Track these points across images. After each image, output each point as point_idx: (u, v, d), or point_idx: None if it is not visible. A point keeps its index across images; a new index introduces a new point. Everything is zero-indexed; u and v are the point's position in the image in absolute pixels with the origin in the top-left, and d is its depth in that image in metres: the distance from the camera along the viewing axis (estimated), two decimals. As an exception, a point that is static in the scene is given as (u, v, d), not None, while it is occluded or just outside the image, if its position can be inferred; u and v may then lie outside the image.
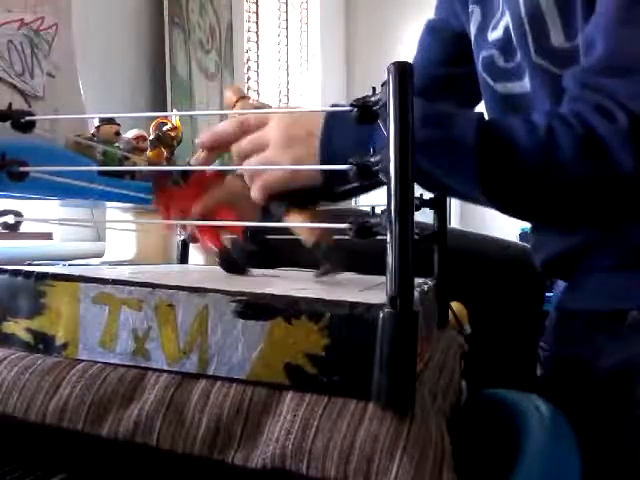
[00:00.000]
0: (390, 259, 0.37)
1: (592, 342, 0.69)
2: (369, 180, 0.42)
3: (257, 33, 2.75)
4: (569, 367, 0.72)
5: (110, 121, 1.17)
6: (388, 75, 0.38)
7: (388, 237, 0.37)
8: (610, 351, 0.66)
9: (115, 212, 1.38)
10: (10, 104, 0.52)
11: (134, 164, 1.16)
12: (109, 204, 1.31)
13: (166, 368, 0.44)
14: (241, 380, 0.42)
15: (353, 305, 0.40)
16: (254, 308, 0.42)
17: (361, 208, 0.99)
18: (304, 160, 0.58)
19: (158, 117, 1.33)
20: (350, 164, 0.42)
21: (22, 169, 0.49)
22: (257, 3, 2.74)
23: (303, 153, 0.59)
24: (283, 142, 0.59)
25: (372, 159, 0.41)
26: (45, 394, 0.44)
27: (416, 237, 0.63)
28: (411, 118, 0.38)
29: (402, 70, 0.38)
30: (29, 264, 0.59)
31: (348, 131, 0.56)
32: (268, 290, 0.45)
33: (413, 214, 0.37)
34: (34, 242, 1.45)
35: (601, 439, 0.60)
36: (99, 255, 1.48)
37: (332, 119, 0.59)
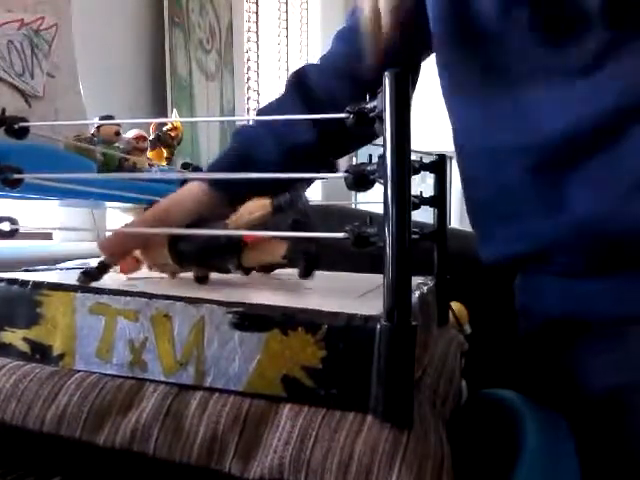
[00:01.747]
0: (387, 270, 0.37)
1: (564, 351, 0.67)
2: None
3: (257, 33, 2.75)
4: (545, 374, 0.71)
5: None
6: (384, 81, 0.38)
7: (385, 249, 0.37)
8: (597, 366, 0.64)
9: (115, 212, 1.38)
10: (4, 110, 0.51)
11: (134, 164, 1.16)
12: (109, 204, 1.31)
13: (163, 379, 0.43)
14: (238, 392, 0.42)
15: (350, 317, 0.39)
16: (250, 319, 0.41)
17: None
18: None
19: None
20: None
21: (16, 176, 0.49)
22: (257, 3, 2.73)
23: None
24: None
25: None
26: (43, 402, 0.44)
27: (415, 236, 0.63)
28: (408, 125, 0.38)
29: (398, 76, 0.38)
30: (26, 270, 0.58)
31: None
32: (267, 297, 0.45)
33: (410, 225, 0.37)
34: (34, 242, 1.45)
35: (594, 439, 0.59)
36: (99, 255, 1.47)
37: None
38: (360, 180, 0.41)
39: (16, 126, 0.51)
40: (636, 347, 0.57)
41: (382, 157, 0.37)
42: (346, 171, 0.41)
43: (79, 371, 0.46)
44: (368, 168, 0.41)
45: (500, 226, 0.70)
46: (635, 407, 0.55)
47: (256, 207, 0.56)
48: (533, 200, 0.63)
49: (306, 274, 0.54)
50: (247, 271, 0.57)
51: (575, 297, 0.64)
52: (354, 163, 0.42)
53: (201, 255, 0.55)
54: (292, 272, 0.60)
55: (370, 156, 0.42)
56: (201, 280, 0.56)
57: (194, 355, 0.43)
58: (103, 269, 0.54)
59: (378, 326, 0.38)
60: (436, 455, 0.38)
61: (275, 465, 0.38)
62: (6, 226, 0.49)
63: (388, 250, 0.37)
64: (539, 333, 0.71)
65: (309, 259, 0.54)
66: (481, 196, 0.74)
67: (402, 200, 0.36)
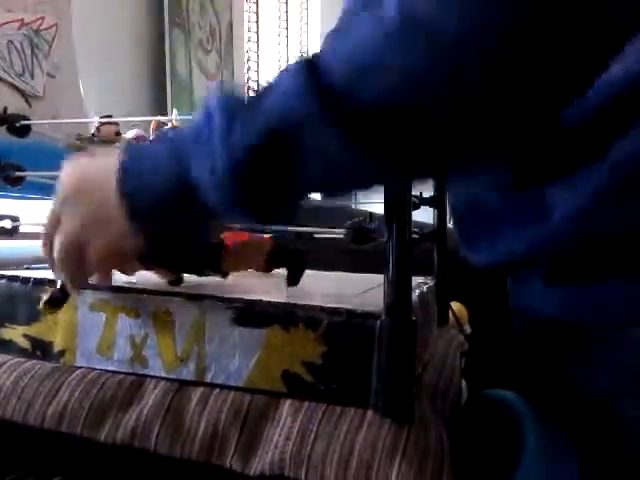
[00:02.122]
0: (388, 266, 0.37)
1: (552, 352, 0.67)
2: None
3: (257, 33, 2.75)
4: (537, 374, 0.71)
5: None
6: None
7: (386, 244, 0.37)
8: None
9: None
10: (5, 108, 0.52)
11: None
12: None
13: (164, 375, 0.43)
14: (239, 387, 0.42)
15: (350, 313, 0.40)
16: (251, 315, 0.41)
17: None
18: (103, 206, 0.42)
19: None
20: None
21: (18, 174, 0.49)
22: (257, 3, 2.73)
23: (98, 198, 0.43)
24: (73, 197, 0.44)
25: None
26: (44, 399, 0.44)
27: (415, 236, 0.63)
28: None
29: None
30: (27, 268, 0.58)
31: (156, 158, 0.42)
32: (267, 293, 0.45)
33: (411, 221, 0.37)
34: (34, 242, 1.45)
35: (589, 441, 0.59)
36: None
37: (131, 148, 0.44)
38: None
39: (18, 124, 0.51)
40: (624, 353, 0.57)
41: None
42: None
43: (80, 367, 0.46)
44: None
45: (482, 235, 0.70)
46: (620, 412, 0.56)
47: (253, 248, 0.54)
48: (512, 211, 0.63)
49: (293, 281, 0.52)
50: (225, 275, 0.54)
51: (560, 301, 0.64)
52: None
53: (176, 260, 0.50)
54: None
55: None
56: (175, 283, 0.51)
57: (195, 351, 0.43)
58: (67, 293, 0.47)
59: (378, 322, 0.38)
60: (436, 452, 0.38)
61: (276, 461, 0.38)
62: (7, 224, 0.50)
63: (389, 245, 0.37)
64: (531, 332, 0.71)
65: (294, 265, 0.52)
66: (462, 208, 0.74)
67: (402, 195, 0.37)
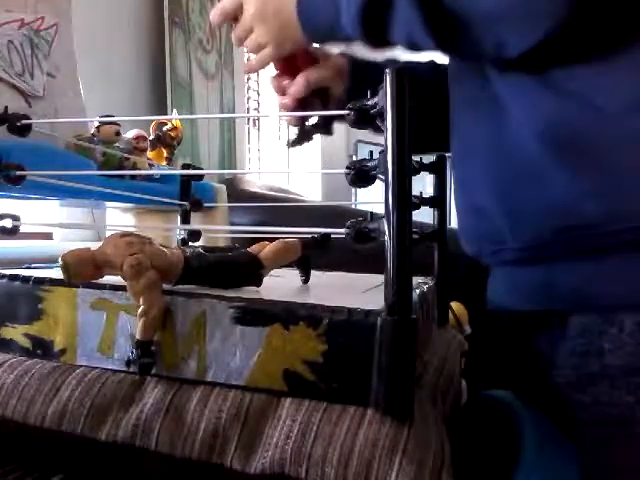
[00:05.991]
0: (388, 265, 0.37)
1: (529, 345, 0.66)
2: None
3: (257, 33, 2.75)
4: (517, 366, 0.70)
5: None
6: (385, 79, 0.38)
7: (386, 243, 0.37)
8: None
9: (116, 212, 1.38)
10: (6, 107, 0.51)
11: (134, 164, 1.16)
12: (109, 204, 1.31)
13: (165, 374, 0.44)
14: (240, 386, 0.42)
15: (351, 311, 0.40)
16: (252, 314, 0.42)
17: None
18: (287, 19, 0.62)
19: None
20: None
21: (18, 173, 0.49)
22: (257, 2, 2.73)
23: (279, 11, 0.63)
24: (260, 16, 0.64)
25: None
26: (45, 397, 0.44)
27: (416, 236, 0.63)
28: (408, 122, 0.38)
29: (399, 74, 0.38)
30: (27, 267, 0.58)
31: None
32: (269, 292, 0.45)
33: (411, 220, 0.37)
34: (34, 242, 1.44)
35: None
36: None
37: None
38: (361, 176, 0.41)
39: (18, 124, 0.51)
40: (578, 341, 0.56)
41: (383, 152, 0.38)
42: (347, 167, 0.42)
43: (80, 366, 0.46)
44: (369, 164, 0.41)
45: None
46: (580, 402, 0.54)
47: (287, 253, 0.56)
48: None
49: (307, 279, 0.57)
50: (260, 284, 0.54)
51: (525, 290, 0.62)
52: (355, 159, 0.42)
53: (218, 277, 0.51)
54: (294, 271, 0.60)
55: (371, 152, 0.42)
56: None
57: (195, 350, 0.43)
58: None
59: (379, 320, 0.38)
60: (436, 450, 0.38)
61: (276, 459, 0.38)
62: (8, 223, 0.50)
63: (389, 244, 0.37)
64: (505, 326, 0.71)
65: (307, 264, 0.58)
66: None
67: (402, 193, 0.37)
